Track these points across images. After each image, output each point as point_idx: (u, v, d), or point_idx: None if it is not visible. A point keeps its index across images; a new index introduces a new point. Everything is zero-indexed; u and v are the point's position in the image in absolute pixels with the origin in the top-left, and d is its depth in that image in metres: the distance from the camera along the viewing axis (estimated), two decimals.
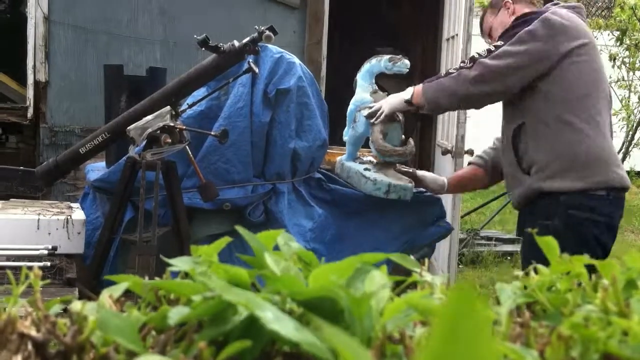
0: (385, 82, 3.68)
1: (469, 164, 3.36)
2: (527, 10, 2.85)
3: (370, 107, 3.34)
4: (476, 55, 2.72)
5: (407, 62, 3.41)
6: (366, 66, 3.48)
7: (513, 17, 2.84)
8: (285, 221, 3.34)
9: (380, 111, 3.10)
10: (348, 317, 0.67)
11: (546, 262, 0.88)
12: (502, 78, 2.66)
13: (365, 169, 3.47)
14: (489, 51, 2.67)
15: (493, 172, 3.15)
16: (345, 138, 3.60)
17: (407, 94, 2.98)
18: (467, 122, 4.70)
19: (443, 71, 5.54)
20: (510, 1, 2.89)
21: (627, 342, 0.66)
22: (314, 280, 0.72)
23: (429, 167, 6.28)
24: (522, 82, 2.67)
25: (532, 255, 1.00)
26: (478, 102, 2.84)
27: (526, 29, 2.63)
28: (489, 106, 2.95)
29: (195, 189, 3.09)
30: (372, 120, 3.17)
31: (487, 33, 3.04)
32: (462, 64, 2.77)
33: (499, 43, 2.72)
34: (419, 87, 2.93)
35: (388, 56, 3.44)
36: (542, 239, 0.89)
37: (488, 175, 3.18)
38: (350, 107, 3.50)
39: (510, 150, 2.80)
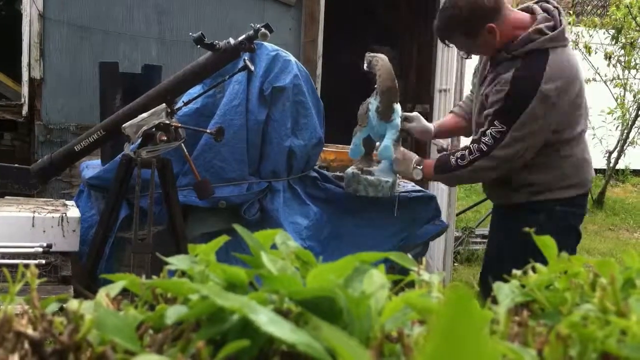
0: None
1: (450, 112, 3.32)
2: (513, 26, 2.62)
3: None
4: (483, 146, 2.63)
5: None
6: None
7: (500, 39, 2.63)
8: (281, 219, 3.33)
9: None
10: (347, 316, 0.67)
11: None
12: (515, 161, 2.66)
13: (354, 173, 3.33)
14: (494, 138, 2.59)
15: (471, 122, 3.11)
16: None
17: (417, 174, 2.95)
18: None
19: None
20: (494, 26, 2.61)
21: (625, 342, 0.66)
22: (313, 279, 0.72)
23: None
24: (534, 152, 2.65)
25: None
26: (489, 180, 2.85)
27: (527, 110, 2.52)
28: None
29: (191, 186, 3.09)
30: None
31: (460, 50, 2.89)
32: (470, 153, 2.68)
33: (496, 101, 2.60)
34: (429, 170, 2.88)
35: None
36: (539, 239, 0.89)
37: (469, 124, 3.11)
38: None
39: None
